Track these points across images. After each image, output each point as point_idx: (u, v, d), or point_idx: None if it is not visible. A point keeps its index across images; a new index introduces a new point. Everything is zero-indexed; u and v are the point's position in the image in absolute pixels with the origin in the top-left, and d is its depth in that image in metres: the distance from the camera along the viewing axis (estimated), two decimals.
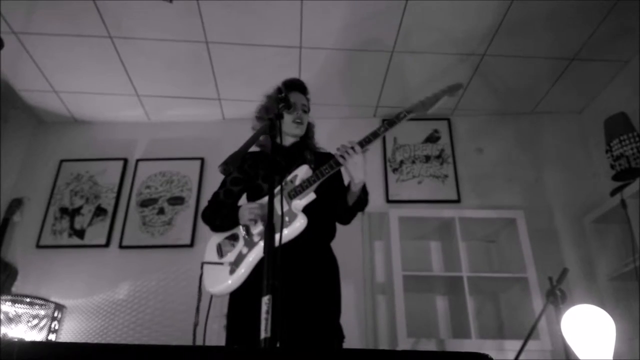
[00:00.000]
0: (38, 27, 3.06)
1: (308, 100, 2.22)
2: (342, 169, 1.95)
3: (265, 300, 1.18)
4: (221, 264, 1.88)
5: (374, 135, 1.91)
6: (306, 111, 2.16)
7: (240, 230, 1.91)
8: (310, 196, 1.90)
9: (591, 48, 3.21)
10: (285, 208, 1.85)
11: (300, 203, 1.88)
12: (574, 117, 3.88)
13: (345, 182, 2.07)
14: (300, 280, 1.80)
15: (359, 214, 2.09)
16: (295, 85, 2.20)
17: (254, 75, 3.43)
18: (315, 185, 1.88)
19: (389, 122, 1.94)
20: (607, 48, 3.21)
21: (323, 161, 1.96)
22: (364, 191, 2.00)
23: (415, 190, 3.64)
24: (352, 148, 1.86)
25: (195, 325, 1.79)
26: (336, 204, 2.04)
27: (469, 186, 3.65)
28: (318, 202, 1.91)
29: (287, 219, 1.81)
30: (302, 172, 1.94)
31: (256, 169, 2.08)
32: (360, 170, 1.89)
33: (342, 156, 1.87)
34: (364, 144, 1.89)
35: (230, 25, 3.07)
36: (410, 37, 3.15)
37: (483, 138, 3.84)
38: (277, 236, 1.36)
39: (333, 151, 2.08)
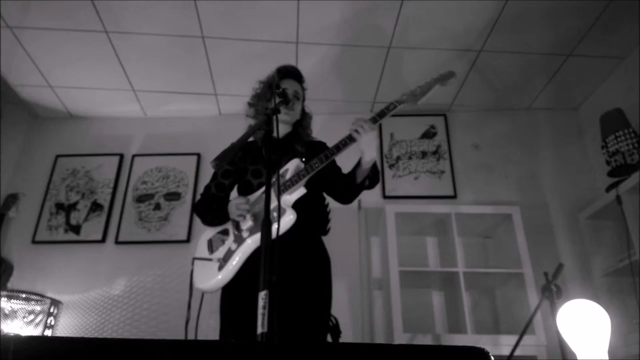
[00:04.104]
0: (33, 21, 3.04)
1: (304, 88, 2.19)
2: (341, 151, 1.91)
3: (262, 295, 1.17)
4: (210, 259, 1.86)
5: (382, 114, 1.89)
6: (298, 98, 2.12)
7: (231, 226, 1.90)
8: (300, 191, 1.86)
9: (587, 44, 3.22)
10: (275, 203, 1.82)
11: (289, 198, 1.85)
12: (570, 113, 3.88)
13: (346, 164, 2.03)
14: (290, 273, 1.78)
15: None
16: (290, 73, 2.16)
17: (251, 71, 3.35)
18: (305, 180, 1.85)
19: (387, 107, 1.92)
20: (604, 44, 3.22)
21: (315, 151, 1.93)
22: (374, 169, 1.95)
23: (411, 186, 3.65)
24: (366, 124, 1.82)
25: (187, 320, 1.79)
26: (335, 186, 2.02)
27: (465, 182, 3.66)
28: (309, 195, 1.88)
29: (275, 214, 1.77)
30: (293, 166, 1.91)
31: (245, 162, 2.06)
32: (373, 148, 1.86)
33: (356, 130, 1.83)
34: (377, 120, 1.87)
35: (227, 20, 3.06)
36: (407, 33, 3.15)
37: (479, 134, 3.84)
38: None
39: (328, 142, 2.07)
